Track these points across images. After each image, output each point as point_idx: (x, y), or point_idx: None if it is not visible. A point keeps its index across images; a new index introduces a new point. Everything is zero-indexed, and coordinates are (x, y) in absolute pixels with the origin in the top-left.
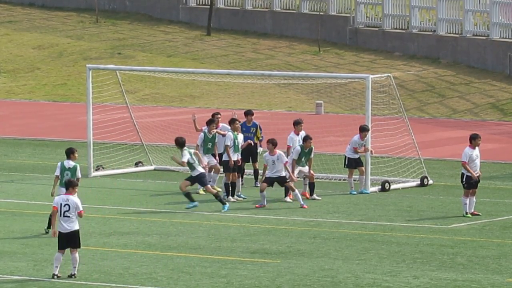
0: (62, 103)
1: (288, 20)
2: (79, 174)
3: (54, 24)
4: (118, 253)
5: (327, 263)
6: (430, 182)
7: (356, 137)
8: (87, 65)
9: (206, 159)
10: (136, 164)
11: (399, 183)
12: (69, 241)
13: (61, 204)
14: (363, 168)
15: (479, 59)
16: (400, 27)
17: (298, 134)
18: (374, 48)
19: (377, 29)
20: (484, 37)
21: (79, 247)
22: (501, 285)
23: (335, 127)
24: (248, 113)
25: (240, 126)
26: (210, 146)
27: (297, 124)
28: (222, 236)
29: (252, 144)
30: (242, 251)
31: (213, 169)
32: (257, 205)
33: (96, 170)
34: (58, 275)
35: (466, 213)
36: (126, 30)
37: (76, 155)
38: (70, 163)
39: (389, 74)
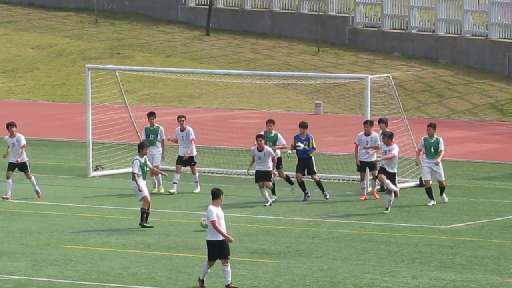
0: (61, 103)
1: (287, 20)
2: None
3: (53, 24)
4: (117, 253)
5: (326, 263)
6: None
7: (360, 133)
8: (86, 65)
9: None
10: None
11: (398, 183)
12: (220, 251)
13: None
14: (375, 172)
15: (478, 59)
16: (399, 27)
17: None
18: (373, 48)
19: (376, 29)
20: (483, 37)
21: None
22: (500, 285)
23: (334, 127)
24: (303, 126)
25: (293, 140)
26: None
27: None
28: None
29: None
30: (241, 251)
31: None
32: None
33: (95, 170)
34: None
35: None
36: (125, 30)
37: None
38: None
39: (388, 74)
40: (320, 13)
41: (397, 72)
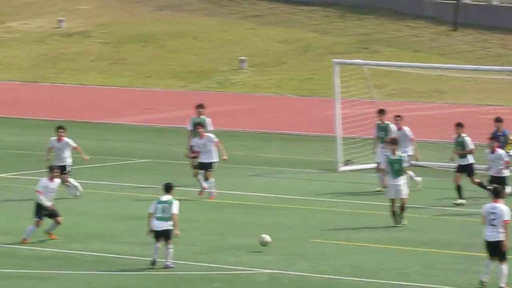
0: (309, 97)
1: None
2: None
3: (300, 18)
4: (369, 248)
5: None
6: None
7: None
8: (333, 60)
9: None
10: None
11: None
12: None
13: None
14: None
15: None
16: None
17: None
18: None
19: None
20: None
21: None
22: None
23: None
24: (498, 120)
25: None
26: None
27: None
28: (473, 232)
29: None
30: None
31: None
32: None
33: (345, 164)
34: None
35: None
36: (372, 25)
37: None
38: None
39: None
40: None
41: None
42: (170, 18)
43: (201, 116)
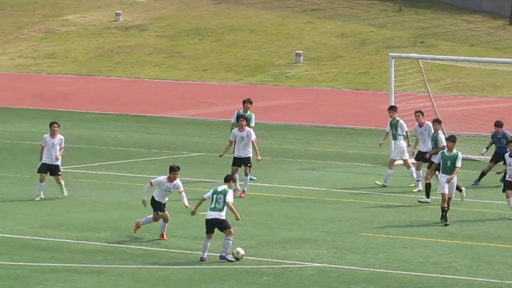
0: (365, 91)
1: None
2: None
3: (357, 12)
4: (419, 241)
5: None
6: None
7: None
8: (389, 54)
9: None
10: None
11: None
12: None
13: None
14: None
15: None
16: None
17: None
18: None
19: None
20: None
21: None
22: None
23: None
24: (498, 125)
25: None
26: None
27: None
28: None
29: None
30: None
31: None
32: None
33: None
34: None
35: None
36: (429, 19)
37: None
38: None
39: None
40: None
41: None
42: (228, 12)
43: (248, 112)
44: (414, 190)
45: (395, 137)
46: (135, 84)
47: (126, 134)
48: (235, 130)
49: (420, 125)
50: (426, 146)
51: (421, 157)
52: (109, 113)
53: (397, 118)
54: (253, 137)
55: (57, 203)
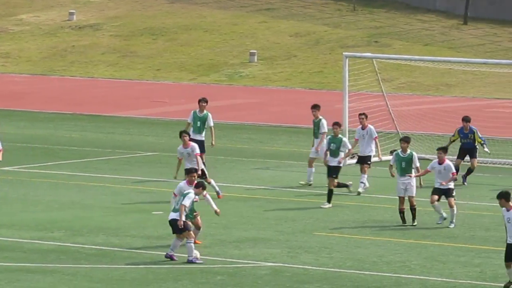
0: (319, 90)
1: None
2: None
3: (311, 11)
4: (373, 241)
5: None
6: None
7: None
8: (343, 53)
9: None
10: (391, 153)
11: None
12: None
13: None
14: None
15: None
16: None
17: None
18: None
19: None
20: None
21: None
22: None
23: None
24: (466, 120)
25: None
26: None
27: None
28: (476, 225)
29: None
30: (496, 240)
31: None
32: None
33: (351, 158)
34: None
35: None
36: (383, 18)
37: None
38: None
39: None
40: None
41: None
42: (182, 11)
43: (204, 111)
44: (301, 183)
45: (316, 136)
46: (89, 84)
47: (80, 133)
48: (180, 147)
49: (363, 128)
50: (366, 149)
51: (362, 160)
52: (63, 113)
53: (320, 117)
54: (197, 151)
55: (11, 203)
